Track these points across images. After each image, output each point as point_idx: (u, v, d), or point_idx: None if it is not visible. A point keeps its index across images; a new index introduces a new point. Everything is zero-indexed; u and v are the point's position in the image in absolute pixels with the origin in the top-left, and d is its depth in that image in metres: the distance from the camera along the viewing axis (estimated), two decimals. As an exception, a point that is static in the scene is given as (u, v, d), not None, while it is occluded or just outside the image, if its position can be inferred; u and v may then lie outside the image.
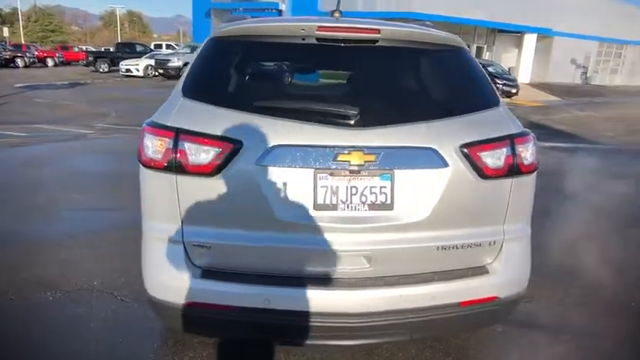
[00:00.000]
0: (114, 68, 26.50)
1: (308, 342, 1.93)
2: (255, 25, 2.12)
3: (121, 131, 9.61)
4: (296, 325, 1.91)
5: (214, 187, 1.85)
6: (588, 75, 35.07)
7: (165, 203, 1.91)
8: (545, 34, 30.01)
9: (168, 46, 35.01)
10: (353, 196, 1.87)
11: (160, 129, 1.90)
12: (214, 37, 2.13)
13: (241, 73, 2.27)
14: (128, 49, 28.90)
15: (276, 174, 1.83)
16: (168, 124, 1.89)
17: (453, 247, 1.97)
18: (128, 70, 24.10)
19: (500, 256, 2.07)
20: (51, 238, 3.93)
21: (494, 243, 2.05)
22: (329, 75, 2.13)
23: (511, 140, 2.02)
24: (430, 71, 2.24)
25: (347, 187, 1.87)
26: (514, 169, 2.00)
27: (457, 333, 2.56)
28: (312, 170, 1.84)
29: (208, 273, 1.92)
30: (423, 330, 2.09)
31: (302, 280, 1.90)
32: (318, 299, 1.87)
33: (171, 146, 1.85)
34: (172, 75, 22.05)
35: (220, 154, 1.82)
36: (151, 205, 1.98)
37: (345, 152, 1.82)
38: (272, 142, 1.83)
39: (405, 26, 2.22)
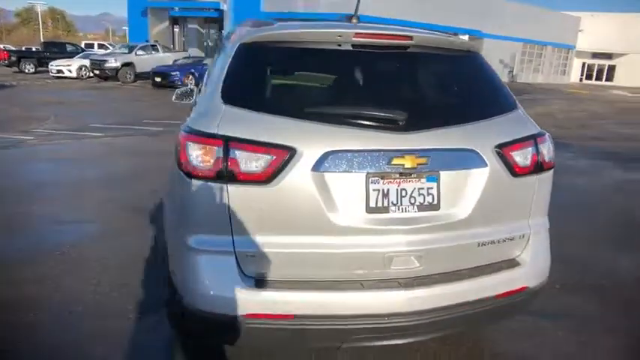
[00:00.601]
0: (41, 69, 24.71)
1: (365, 344, 1.95)
2: (293, 31, 2.11)
3: (64, 136, 9.02)
4: (352, 329, 1.92)
5: (267, 195, 1.82)
6: (514, 73, 37.52)
7: (213, 214, 1.85)
8: (475, 36, 31.67)
9: (100, 46, 33.24)
10: (403, 198, 1.92)
11: (206, 137, 1.84)
12: (252, 43, 2.07)
13: (281, 79, 2.25)
14: (57, 49, 26.95)
15: (330, 179, 1.84)
16: (216, 132, 1.84)
17: (491, 242, 2.08)
18: (59, 71, 22.46)
19: (528, 249, 2.21)
20: (12, 254, 3.65)
21: (523, 236, 2.19)
22: (365, 80, 2.16)
23: (535, 140, 2.16)
24: (457, 75, 2.33)
25: (397, 190, 1.91)
26: (538, 167, 2.15)
27: (489, 324, 2.68)
28: (364, 174, 1.87)
29: (262, 282, 1.89)
30: (464, 324, 2.18)
31: (357, 284, 1.92)
32: (374, 301, 1.90)
33: (221, 155, 1.80)
34: (109, 76, 20.93)
35: (274, 162, 1.80)
36: (196, 215, 1.90)
37: (399, 156, 1.87)
38: (326, 148, 1.83)
39: (433, 33, 2.30)
